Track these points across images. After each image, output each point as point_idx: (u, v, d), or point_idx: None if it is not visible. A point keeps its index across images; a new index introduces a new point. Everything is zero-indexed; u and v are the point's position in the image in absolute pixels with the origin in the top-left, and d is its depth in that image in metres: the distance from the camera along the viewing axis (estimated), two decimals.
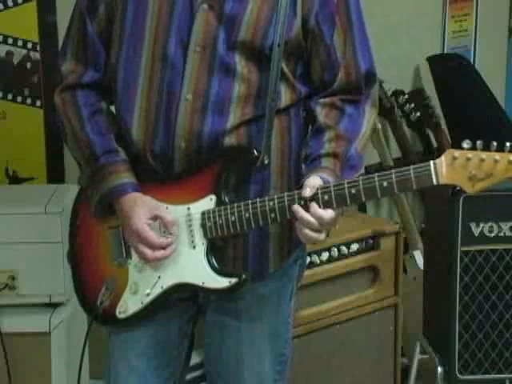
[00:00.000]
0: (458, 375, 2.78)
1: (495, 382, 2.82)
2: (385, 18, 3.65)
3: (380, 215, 3.81)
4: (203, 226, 1.81)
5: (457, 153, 1.61)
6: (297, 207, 1.71)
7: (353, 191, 1.68)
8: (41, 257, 2.53)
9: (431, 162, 1.63)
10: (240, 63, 1.80)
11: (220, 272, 1.81)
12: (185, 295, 1.95)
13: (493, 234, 2.72)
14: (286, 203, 1.73)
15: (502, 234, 2.73)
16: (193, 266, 1.83)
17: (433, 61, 3.74)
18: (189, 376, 2.11)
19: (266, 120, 1.81)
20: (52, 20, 2.93)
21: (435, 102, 3.68)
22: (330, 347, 2.98)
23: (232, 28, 1.78)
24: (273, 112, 1.81)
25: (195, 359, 2.13)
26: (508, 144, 1.58)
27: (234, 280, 1.80)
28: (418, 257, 3.38)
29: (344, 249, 2.98)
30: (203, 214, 1.80)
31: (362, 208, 3.59)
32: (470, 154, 1.59)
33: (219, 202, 1.79)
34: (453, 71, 3.69)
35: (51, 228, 2.52)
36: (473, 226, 2.71)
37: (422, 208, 3.53)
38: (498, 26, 4.17)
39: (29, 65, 2.99)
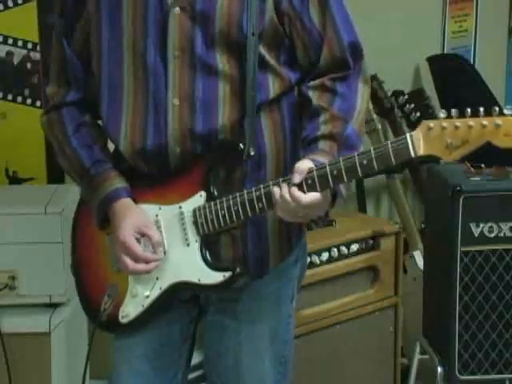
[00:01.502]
0: (458, 375, 2.78)
1: (495, 382, 2.82)
2: (385, 18, 3.65)
3: (380, 215, 3.81)
4: (195, 223, 1.81)
5: (432, 123, 1.59)
6: (276, 189, 1.69)
7: (334, 172, 1.66)
8: (41, 257, 2.54)
9: (407, 135, 1.62)
10: (221, 60, 1.79)
11: (214, 267, 1.81)
12: (186, 297, 1.94)
13: (493, 234, 2.72)
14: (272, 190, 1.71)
15: (501, 235, 2.73)
16: (188, 264, 1.82)
17: (433, 61, 3.74)
18: (189, 376, 2.11)
19: (248, 111, 1.79)
20: (52, 20, 2.93)
21: (435, 102, 3.68)
22: (330, 347, 2.98)
23: (206, 25, 1.77)
24: (254, 103, 1.79)
25: (196, 359, 2.13)
26: (481, 109, 1.55)
27: (227, 274, 1.79)
28: (418, 257, 3.38)
29: (344, 249, 2.98)
30: (194, 211, 1.81)
31: (362, 208, 3.60)
32: (444, 123, 1.57)
33: (209, 198, 1.79)
34: (453, 71, 3.69)
35: (51, 228, 2.52)
36: (473, 226, 2.71)
37: (422, 208, 3.53)
38: (498, 26, 4.17)
39: (29, 65, 2.99)
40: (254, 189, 1.74)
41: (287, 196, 1.68)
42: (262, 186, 1.73)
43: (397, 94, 3.57)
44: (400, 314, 3.15)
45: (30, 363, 2.59)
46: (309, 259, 2.86)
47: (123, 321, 1.90)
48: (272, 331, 1.97)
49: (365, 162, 1.64)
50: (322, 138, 1.79)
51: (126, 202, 1.86)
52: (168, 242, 1.84)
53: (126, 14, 1.81)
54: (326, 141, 1.78)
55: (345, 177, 1.66)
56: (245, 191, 1.75)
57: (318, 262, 2.91)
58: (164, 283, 1.85)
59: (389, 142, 1.64)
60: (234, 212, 1.76)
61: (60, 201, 2.59)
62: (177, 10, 1.78)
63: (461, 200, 2.68)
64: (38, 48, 2.97)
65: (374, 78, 3.43)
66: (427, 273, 3.01)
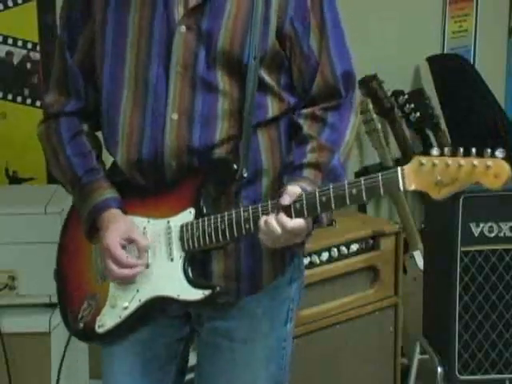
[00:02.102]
0: (458, 375, 2.78)
1: (495, 382, 2.82)
2: (384, 18, 3.65)
3: (380, 215, 3.81)
4: (181, 238, 1.80)
5: (424, 159, 1.60)
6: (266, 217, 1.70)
7: (323, 199, 1.67)
8: (41, 257, 2.53)
9: (399, 169, 1.63)
10: (222, 79, 1.79)
11: (195, 284, 1.79)
12: (175, 313, 1.92)
13: (493, 234, 2.73)
14: (260, 213, 1.72)
15: (501, 234, 2.73)
16: (170, 279, 1.81)
17: (433, 61, 3.74)
18: (187, 377, 2.10)
19: (244, 133, 1.79)
20: (52, 20, 2.94)
21: (435, 102, 3.68)
22: (330, 347, 2.98)
23: (210, 44, 1.78)
24: (250, 125, 1.79)
25: (193, 360, 2.11)
26: (474, 149, 1.57)
27: (207, 292, 1.77)
28: (418, 257, 3.38)
29: (344, 249, 2.98)
30: (182, 226, 1.80)
31: (362, 208, 3.59)
32: (436, 160, 1.59)
33: (198, 215, 1.79)
34: (453, 71, 3.69)
35: (51, 228, 2.51)
36: (473, 226, 2.72)
37: (422, 208, 3.54)
38: (498, 26, 4.17)
39: (29, 65, 2.99)
40: (242, 209, 1.74)
41: (274, 222, 1.68)
42: (250, 207, 1.73)
43: (397, 93, 3.57)
44: (400, 314, 3.15)
45: (29, 363, 2.59)
46: (309, 259, 2.87)
47: (99, 330, 1.89)
48: (266, 352, 1.94)
49: (354, 191, 1.65)
50: (307, 166, 1.79)
51: (115, 212, 1.85)
52: (153, 256, 1.83)
53: (132, 25, 1.82)
54: (311, 169, 1.79)
55: (333, 205, 1.67)
56: (233, 211, 1.74)
57: (318, 261, 2.91)
58: (143, 296, 1.84)
59: (379, 174, 1.65)
60: (220, 231, 1.75)
61: (60, 201, 2.59)
62: (183, 28, 1.79)
63: (461, 200, 2.69)
64: (38, 48, 2.97)
65: (374, 77, 3.43)
66: (427, 273, 3.01)
